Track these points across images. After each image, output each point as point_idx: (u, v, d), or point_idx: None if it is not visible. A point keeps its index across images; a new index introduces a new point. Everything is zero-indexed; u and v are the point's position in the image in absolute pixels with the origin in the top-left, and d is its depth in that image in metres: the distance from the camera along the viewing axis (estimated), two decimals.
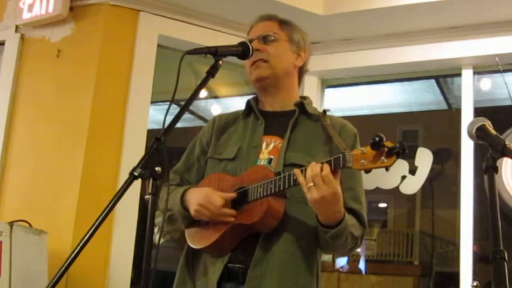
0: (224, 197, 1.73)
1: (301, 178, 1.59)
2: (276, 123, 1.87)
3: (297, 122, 1.86)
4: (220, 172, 1.84)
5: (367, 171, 1.51)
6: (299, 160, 1.77)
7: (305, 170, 1.59)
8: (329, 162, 1.58)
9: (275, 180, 1.65)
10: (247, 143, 1.85)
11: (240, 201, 1.73)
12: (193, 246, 1.80)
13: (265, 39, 1.88)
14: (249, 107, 1.95)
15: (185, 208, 1.80)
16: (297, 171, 1.61)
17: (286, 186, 1.64)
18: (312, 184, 1.56)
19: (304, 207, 1.71)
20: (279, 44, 1.89)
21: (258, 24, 1.96)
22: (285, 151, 1.79)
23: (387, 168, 1.46)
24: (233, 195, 1.73)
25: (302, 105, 1.89)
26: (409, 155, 3.56)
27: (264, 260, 1.69)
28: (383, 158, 1.46)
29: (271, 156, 1.80)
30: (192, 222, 1.83)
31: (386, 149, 1.45)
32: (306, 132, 1.85)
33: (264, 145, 1.83)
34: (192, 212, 1.77)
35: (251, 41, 1.87)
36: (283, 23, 1.95)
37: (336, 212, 1.63)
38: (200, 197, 1.74)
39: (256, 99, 1.96)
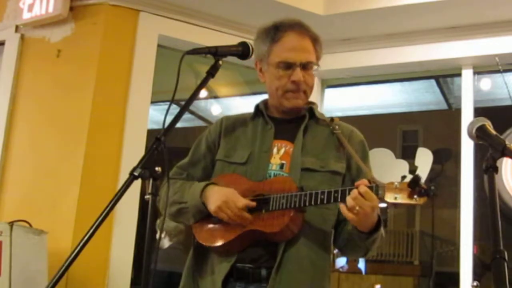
0: (246, 204, 1.73)
1: (347, 212, 1.60)
2: (285, 127, 1.88)
3: (307, 127, 1.87)
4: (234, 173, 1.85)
5: (396, 205, 1.56)
6: (312, 164, 1.79)
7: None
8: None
9: (300, 195, 1.66)
10: (258, 147, 1.85)
11: (258, 206, 1.74)
12: (203, 243, 1.80)
13: (305, 67, 1.83)
14: (258, 111, 1.94)
15: (203, 202, 1.79)
16: (343, 207, 1.61)
17: (313, 203, 1.65)
18: (357, 208, 1.57)
19: (320, 211, 1.75)
20: (312, 71, 1.86)
21: (294, 38, 1.83)
22: (301, 156, 1.80)
23: (414, 206, 1.54)
24: (253, 203, 1.73)
25: (312, 111, 1.90)
26: (409, 155, 3.56)
27: (282, 263, 1.70)
28: (416, 196, 1.54)
29: (283, 161, 1.81)
30: (203, 218, 1.82)
31: (422, 189, 1.53)
32: (316, 137, 1.86)
33: (275, 150, 1.84)
34: (213, 208, 1.74)
35: (290, 64, 1.80)
36: (316, 41, 1.87)
37: (373, 219, 1.66)
38: (225, 196, 1.73)
39: (265, 103, 1.95)
